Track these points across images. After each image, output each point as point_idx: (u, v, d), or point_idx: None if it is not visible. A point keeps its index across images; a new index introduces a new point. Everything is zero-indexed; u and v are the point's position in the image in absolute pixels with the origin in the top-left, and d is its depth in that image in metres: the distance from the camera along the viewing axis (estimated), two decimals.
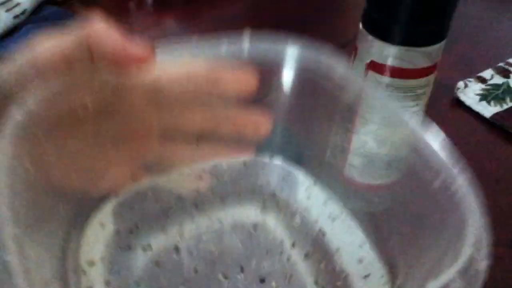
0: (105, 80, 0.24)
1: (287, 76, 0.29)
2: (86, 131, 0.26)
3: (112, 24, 0.24)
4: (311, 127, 0.31)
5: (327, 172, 0.32)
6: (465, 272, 0.20)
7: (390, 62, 0.38)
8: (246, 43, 0.28)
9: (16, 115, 0.21)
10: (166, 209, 0.30)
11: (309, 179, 0.33)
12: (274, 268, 0.29)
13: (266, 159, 0.32)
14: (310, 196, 0.33)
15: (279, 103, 0.30)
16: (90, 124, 0.25)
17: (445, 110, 0.60)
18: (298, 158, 0.32)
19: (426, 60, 0.38)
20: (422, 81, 0.39)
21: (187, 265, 0.28)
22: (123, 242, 0.29)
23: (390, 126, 0.28)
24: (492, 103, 0.59)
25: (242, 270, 0.28)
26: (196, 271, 0.28)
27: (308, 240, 0.30)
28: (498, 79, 0.63)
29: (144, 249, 0.29)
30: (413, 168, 0.26)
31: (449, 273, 0.20)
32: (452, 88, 0.61)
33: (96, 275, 0.27)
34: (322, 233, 0.31)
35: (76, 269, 0.26)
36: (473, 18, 0.80)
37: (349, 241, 0.30)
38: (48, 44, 0.24)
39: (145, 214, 0.30)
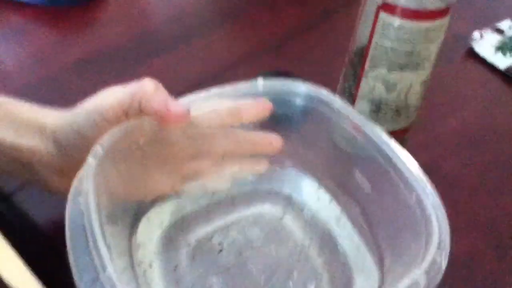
0: (151, 123, 0.33)
1: (298, 104, 0.37)
2: (138, 158, 0.34)
3: (159, 86, 0.32)
4: (315, 140, 0.38)
5: (329, 175, 0.39)
6: (428, 272, 0.26)
7: (402, 3, 0.36)
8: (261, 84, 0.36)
9: (92, 158, 0.30)
10: (199, 211, 0.38)
11: (315, 183, 0.39)
12: (292, 261, 0.36)
13: (279, 167, 0.40)
14: (319, 197, 0.39)
15: (292, 122, 0.38)
16: (141, 153, 0.34)
17: (459, 61, 0.58)
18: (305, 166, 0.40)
19: (438, 2, 0.37)
20: (434, 24, 0.37)
21: (220, 255, 0.36)
22: (169, 234, 0.36)
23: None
24: (508, 55, 0.58)
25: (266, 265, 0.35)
26: (228, 262, 0.35)
27: (320, 239, 0.37)
28: None
29: (186, 240, 0.36)
30: (397, 186, 0.31)
31: (416, 273, 0.26)
32: (467, 39, 0.59)
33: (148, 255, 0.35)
34: (329, 234, 0.37)
35: (137, 261, 0.34)
36: None
37: (349, 243, 0.37)
38: (110, 97, 0.32)
39: (186, 211, 0.38)
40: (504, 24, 0.62)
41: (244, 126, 0.37)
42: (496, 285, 0.37)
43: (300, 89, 0.36)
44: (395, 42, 0.37)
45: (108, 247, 0.27)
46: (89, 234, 0.27)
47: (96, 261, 0.26)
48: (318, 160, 0.39)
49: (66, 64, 0.52)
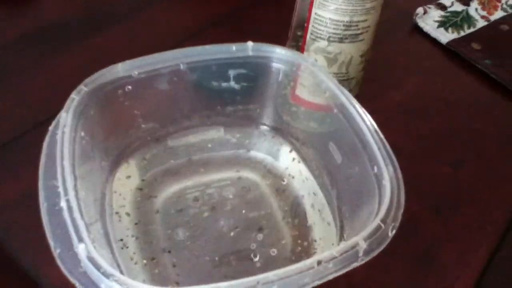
0: None
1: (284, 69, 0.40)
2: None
3: None
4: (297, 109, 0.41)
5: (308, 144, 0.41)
6: (370, 237, 0.28)
7: None
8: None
9: (75, 94, 0.32)
10: (179, 167, 0.40)
11: (271, 131, 0.42)
12: (260, 223, 0.38)
13: (259, 130, 0.43)
14: (280, 148, 0.42)
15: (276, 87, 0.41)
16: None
17: (403, 36, 0.60)
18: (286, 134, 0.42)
19: None
20: None
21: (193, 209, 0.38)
22: (145, 187, 0.39)
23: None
24: (450, 30, 0.60)
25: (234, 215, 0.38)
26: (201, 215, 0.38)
27: (290, 208, 0.39)
28: (458, 6, 0.63)
29: (159, 196, 0.38)
30: (362, 157, 0.33)
31: (358, 237, 0.27)
32: (411, 15, 0.61)
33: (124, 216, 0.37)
34: (291, 176, 0.41)
35: (110, 206, 0.36)
36: None
37: (307, 188, 0.40)
38: None
39: (163, 169, 0.40)
40: (446, 0, 0.63)
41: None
42: (434, 242, 0.40)
43: (287, 56, 0.38)
44: (333, 13, 0.38)
45: (76, 178, 0.29)
46: (58, 162, 0.29)
47: (60, 187, 0.27)
48: (299, 131, 0.42)
49: (9, 40, 0.51)
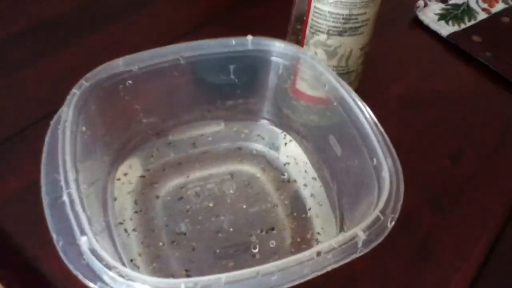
0: None
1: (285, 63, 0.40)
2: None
3: None
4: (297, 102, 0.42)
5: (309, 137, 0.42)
6: (369, 228, 0.28)
7: None
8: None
9: (76, 89, 0.32)
10: (180, 161, 0.41)
11: (272, 125, 0.43)
12: (260, 217, 0.38)
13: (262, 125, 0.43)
14: (280, 142, 0.42)
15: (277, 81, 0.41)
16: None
17: (403, 29, 0.60)
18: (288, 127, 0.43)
19: None
20: None
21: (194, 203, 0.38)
22: (147, 180, 0.39)
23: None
24: (450, 22, 0.60)
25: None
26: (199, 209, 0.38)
27: (290, 199, 0.40)
28: None
29: (161, 189, 0.39)
30: (362, 150, 0.34)
31: (357, 228, 0.28)
32: (411, 7, 0.61)
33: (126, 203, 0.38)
34: (291, 169, 0.41)
35: (112, 199, 0.37)
36: None
37: (307, 182, 0.40)
38: None
39: (164, 163, 0.40)
40: None
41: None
42: (433, 234, 0.40)
43: (286, 50, 0.38)
44: (332, 6, 0.38)
45: (77, 172, 0.29)
46: (60, 156, 0.29)
47: (62, 181, 0.28)
48: (299, 124, 0.42)
49: (9, 35, 0.51)
